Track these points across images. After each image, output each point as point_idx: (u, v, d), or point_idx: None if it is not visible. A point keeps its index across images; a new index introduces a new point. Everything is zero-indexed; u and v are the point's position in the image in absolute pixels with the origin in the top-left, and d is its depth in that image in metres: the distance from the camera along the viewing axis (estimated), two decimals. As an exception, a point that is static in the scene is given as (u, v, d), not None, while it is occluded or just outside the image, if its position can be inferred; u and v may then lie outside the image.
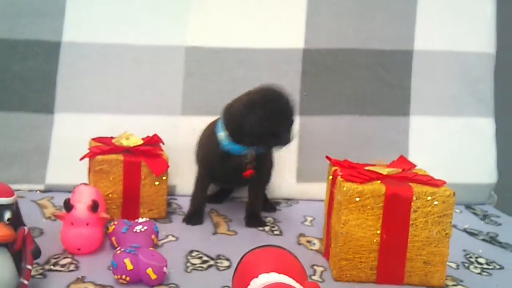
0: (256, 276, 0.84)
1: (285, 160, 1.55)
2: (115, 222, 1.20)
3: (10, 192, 0.93)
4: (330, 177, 1.20)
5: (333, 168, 1.19)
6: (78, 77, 1.57)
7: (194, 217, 1.38)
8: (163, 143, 1.46)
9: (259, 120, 1.24)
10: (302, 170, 1.60)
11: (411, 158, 1.54)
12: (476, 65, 1.64)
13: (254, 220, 1.38)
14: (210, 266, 1.14)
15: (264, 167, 1.38)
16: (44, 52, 1.56)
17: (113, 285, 1.03)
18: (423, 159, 1.49)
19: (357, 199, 1.06)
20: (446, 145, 1.64)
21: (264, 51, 1.61)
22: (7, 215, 0.92)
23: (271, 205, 1.50)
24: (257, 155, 1.32)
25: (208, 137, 1.37)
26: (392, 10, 1.63)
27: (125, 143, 1.38)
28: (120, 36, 1.58)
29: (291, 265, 0.89)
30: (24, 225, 0.96)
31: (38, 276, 1.05)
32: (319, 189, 1.39)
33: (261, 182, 1.42)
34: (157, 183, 1.37)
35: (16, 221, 0.94)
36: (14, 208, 0.94)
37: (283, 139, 1.28)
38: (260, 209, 1.41)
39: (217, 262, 1.15)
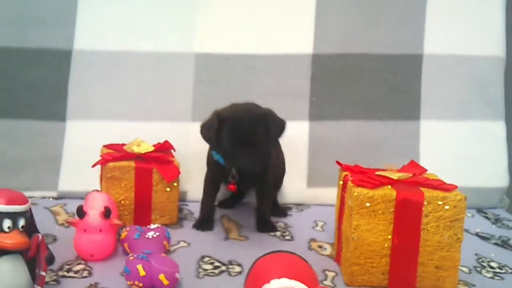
0: (268, 282, 0.84)
1: (296, 165, 1.56)
2: (127, 229, 1.21)
3: (24, 200, 0.95)
4: (341, 182, 1.20)
5: (344, 173, 1.19)
6: (89, 84, 1.58)
7: (203, 223, 1.39)
8: (174, 150, 1.47)
9: (210, 139, 1.27)
10: (312, 175, 1.60)
11: (422, 162, 1.55)
12: (486, 69, 1.64)
13: (264, 225, 1.38)
14: (221, 271, 1.14)
15: (266, 173, 1.35)
16: (55, 60, 1.57)
17: (126, 291, 1.04)
18: (434, 163, 1.48)
19: (368, 204, 1.06)
20: (457, 149, 1.63)
21: (273, 57, 1.61)
22: (21, 222, 0.93)
23: (282, 210, 1.50)
24: None
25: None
26: (401, 15, 1.63)
27: (136, 149, 1.39)
28: (130, 44, 1.59)
29: (302, 271, 0.89)
30: (38, 232, 0.97)
31: (52, 283, 1.05)
32: (330, 194, 1.40)
33: (265, 187, 1.39)
34: (168, 189, 1.38)
35: (30, 228, 0.95)
36: (28, 215, 0.95)
37: (236, 162, 1.25)
38: (268, 213, 1.41)
39: (228, 268, 1.16)
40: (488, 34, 1.65)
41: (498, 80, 1.65)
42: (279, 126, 1.29)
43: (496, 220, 1.53)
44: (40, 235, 0.96)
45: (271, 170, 1.38)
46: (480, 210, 1.60)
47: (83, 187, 1.47)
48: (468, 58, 1.64)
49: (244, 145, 1.22)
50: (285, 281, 0.84)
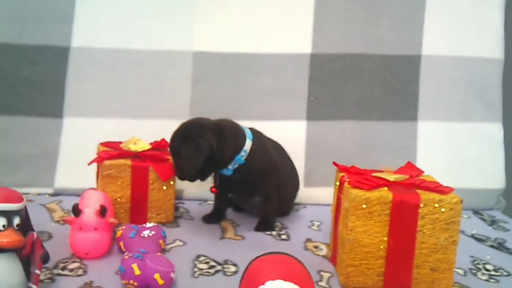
0: (263, 283, 0.84)
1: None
2: (123, 227, 1.21)
3: (19, 198, 0.94)
4: (337, 183, 1.20)
5: (340, 174, 1.19)
6: (86, 82, 1.58)
7: (209, 216, 1.42)
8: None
9: None
10: (309, 175, 1.60)
11: (419, 163, 1.55)
12: (484, 71, 1.64)
13: (262, 224, 1.38)
14: (217, 271, 1.14)
15: (252, 177, 1.35)
16: (53, 57, 1.57)
17: (121, 290, 1.04)
18: (431, 164, 1.49)
19: (364, 205, 1.06)
20: (454, 150, 1.63)
21: (272, 56, 1.61)
22: (16, 220, 0.92)
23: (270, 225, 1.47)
24: (241, 168, 1.32)
25: None
26: (399, 15, 1.63)
27: (133, 148, 1.39)
28: (128, 41, 1.59)
29: (298, 273, 0.89)
30: (33, 230, 0.96)
31: (47, 281, 1.05)
32: (326, 194, 1.39)
33: (266, 196, 1.39)
34: (164, 187, 1.37)
35: (25, 227, 0.95)
36: (23, 213, 0.94)
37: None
38: (271, 213, 1.40)
39: (224, 267, 1.16)
40: (486, 36, 1.65)
41: (496, 82, 1.65)
42: (187, 147, 1.27)
43: (492, 222, 1.54)
44: (35, 234, 0.96)
45: (272, 180, 1.37)
46: (476, 212, 1.60)
47: (79, 184, 1.48)
48: (466, 60, 1.63)
49: (174, 160, 1.32)
50: (280, 283, 0.84)
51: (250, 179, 1.35)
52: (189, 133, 1.29)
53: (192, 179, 1.32)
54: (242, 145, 1.32)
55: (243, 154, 1.32)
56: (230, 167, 1.32)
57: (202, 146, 1.26)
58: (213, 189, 1.39)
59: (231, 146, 1.30)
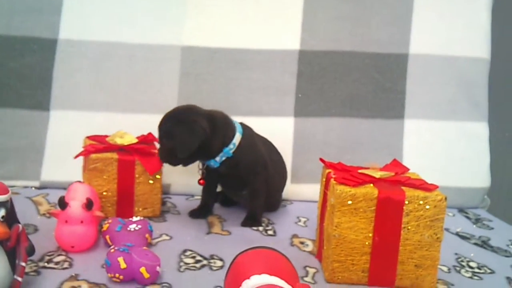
0: (248, 278, 0.85)
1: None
2: (109, 221, 1.21)
3: (5, 190, 0.94)
4: (324, 179, 1.21)
5: (327, 171, 1.20)
6: (74, 74, 1.57)
7: (196, 211, 1.42)
8: (158, 142, 1.46)
9: None
10: (296, 171, 1.60)
11: (405, 161, 1.56)
12: (471, 70, 1.65)
13: (249, 220, 1.39)
14: (203, 265, 1.15)
15: (240, 171, 1.35)
16: (40, 49, 1.56)
17: (106, 284, 1.03)
18: (417, 162, 1.51)
19: (350, 202, 1.07)
20: (440, 149, 1.64)
21: (260, 52, 1.61)
22: (1, 212, 0.92)
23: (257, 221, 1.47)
24: (228, 161, 1.33)
25: None
26: (388, 14, 1.64)
27: (119, 141, 1.39)
28: (117, 35, 1.58)
29: (283, 267, 0.90)
30: (19, 222, 0.96)
31: (32, 273, 1.05)
32: (313, 190, 1.40)
33: (253, 190, 1.39)
34: (151, 181, 1.37)
35: (11, 219, 0.94)
36: (9, 205, 0.94)
37: None
38: (257, 209, 1.40)
39: (210, 262, 1.16)
40: (473, 35, 1.66)
41: (482, 81, 1.66)
42: (186, 133, 1.28)
43: (477, 220, 1.55)
44: (20, 226, 0.95)
45: (260, 175, 1.37)
46: (461, 210, 1.61)
47: (65, 177, 1.47)
48: (453, 59, 1.65)
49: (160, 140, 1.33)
50: (265, 277, 0.84)
51: (237, 173, 1.35)
52: (185, 116, 1.29)
53: (175, 163, 1.32)
54: (231, 138, 1.32)
55: (231, 147, 1.32)
56: (217, 159, 1.32)
57: (198, 129, 1.27)
58: (201, 181, 1.39)
59: (220, 136, 1.31)
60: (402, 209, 1.07)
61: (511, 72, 1.91)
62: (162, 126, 1.31)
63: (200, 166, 1.39)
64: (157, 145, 1.36)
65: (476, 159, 1.66)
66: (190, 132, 1.27)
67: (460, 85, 1.65)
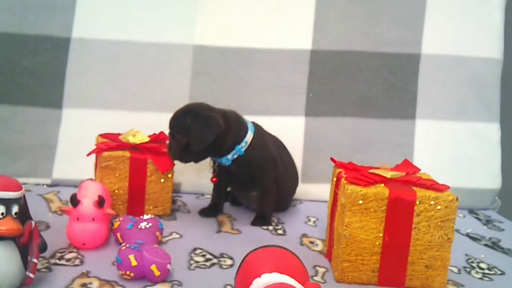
0: (259, 276, 0.85)
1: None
2: (120, 218, 1.21)
3: (18, 186, 0.95)
4: (334, 179, 1.21)
5: (338, 170, 1.20)
6: (86, 73, 1.58)
7: (206, 210, 1.42)
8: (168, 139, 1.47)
9: None
10: (306, 171, 1.61)
11: (416, 161, 1.56)
12: (483, 70, 1.65)
13: (259, 219, 1.39)
14: (213, 264, 1.15)
15: (250, 169, 1.35)
16: (53, 47, 1.57)
17: (117, 281, 1.04)
18: (428, 162, 1.50)
19: (360, 201, 1.07)
20: (451, 149, 1.64)
21: (272, 51, 1.61)
22: (15, 209, 0.93)
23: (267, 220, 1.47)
24: (240, 160, 1.33)
25: None
26: (400, 14, 1.64)
27: (131, 140, 1.40)
28: (129, 33, 1.59)
29: (293, 266, 0.90)
30: (31, 219, 0.97)
31: (44, 270, 1.06)
32: (323, 190, 1.40)
33: (263, 189, 1.39)
34: (162, 180, 1.38)
35: (23, 215, 0.95)
36: (22, 202, 0.95)
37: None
38: (268, 209, 1.40)
39: (220, 260, 1.16)
40: (486, 35, 1.65)
41: (494, 82, 1.66)
42: (203, 127, 1.28)
43: (487, 222, 1.54)
44: (33, 222, 0.96)
45: (270, 173, 1.38)
46: (471, 211, 1.61)
47: (77, 175, 1.48)
48: (466, 59, 1.64)
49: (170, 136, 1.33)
50: (276, 276, 0.84)
51: (247, 172, 1.35)
52: (200, 111, 1.30)
53: (187, 159, 1.32)
54: (243, 136, 1.33)
55: (243, 145, 1.33)
56: (229, 156, 1.33)
57: (214, 122, 1.28)
58: (214, 179, 1.39)
59: (233, 134, 1.32)
60: (413, 209, 1.07)
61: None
62: (175, 121, 1.31)
63: (212, 164, 1.39)
64: (167, 143, 1.36)
65: (487, 160, 1.66)
66: (206, 125, 1.28)
67: (472, 86, 1.65)
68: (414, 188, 1.10)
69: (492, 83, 1.66)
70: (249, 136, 1.34)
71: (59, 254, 1.13)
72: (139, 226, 1.18)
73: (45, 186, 1.53)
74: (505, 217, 1.59)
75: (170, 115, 1.33)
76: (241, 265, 0.94)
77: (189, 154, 1.31)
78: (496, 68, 1.66)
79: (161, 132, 1.46)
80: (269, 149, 1.39)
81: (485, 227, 1.50)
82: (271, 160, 1.38)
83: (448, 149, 1.64)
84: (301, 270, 0.90)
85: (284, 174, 1.44)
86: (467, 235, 1.42)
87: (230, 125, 1.32)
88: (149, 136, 1.43)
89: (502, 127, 1.67)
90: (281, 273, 0.85)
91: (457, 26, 1.65)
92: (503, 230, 1.49)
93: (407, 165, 1.23)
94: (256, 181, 1.38)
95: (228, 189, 1.47)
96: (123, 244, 1.09)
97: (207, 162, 1.39)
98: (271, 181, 1.39)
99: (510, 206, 1.72)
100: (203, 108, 1.32)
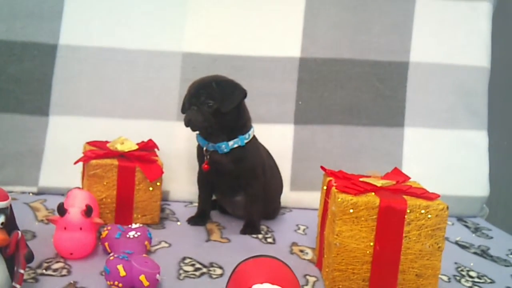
0: (250, 286, 0.84)
1: (279, 168, 1.56)
2: (108, 227, 1.20)
3: (5, 196, 0.93)
4: (325, 187, 1.20)
5: (328, 179, 1.19)
6: (74, 80, 1.57)
7: (195, 219, 1.42)
8: (158, 149, 1.46)
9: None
10: (295, 179, 1.60)
11: (404, 169, 1.56)
12: (470, 79, 1.66)
13: (248, 227, 1.38)
14: (202, 273, 1.14)
15: (242, 166, 1.35)
16: (40, 54, 1.55)
17: (105, 291, 1.03)
18: (416, 170, 1.50)
19: (351, 210, 1.06)
20: (440, 157, 1.65)
21: (261, 59, 1.61)
22: (1, 219, 0.91)
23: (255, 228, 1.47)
24: (236, 152, 1.33)
25: None
26: (388, 22, 1.64)
27: (120, 148, 1.38)
28: (117, 40, 1.58)
29: (285, 276, 0.89)
30: (18, 229, 0.95)
31: (30, 280, 1.04)
32: (312, 198, 1.40)
33: (253, 193, 1.39)
34: (151, 188, 1.37)
35: (10, 225, 0.94)
36: (8, 212, 0.93)
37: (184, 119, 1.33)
38: (256, 216, 1.40)
39: (210, 270, 1.15)
40: (474, 44, 1.66)
41: (482, 90, 1.67)
42: (230, 89, 1.33)
43: (476, 229, 1.55)
44: (19, 233, 0.94)
45: (259, 179, 1.38)
46: (460, 219, 1.62)
47: (64, 183, 1.47)
48: (454, 68, 1.65)
49: (190, 105, 1.32)
50: (267, 286, 0.84)
51: (239, 168, 1.34)
52: (221, 77, 1.35)
53: (202, 124, 1.31)
54: (249, 128, 1.37)
55: (246, 137, 1.34)
56: (231, 143, 1.33)
57: (239, 85, 1.34)
58: (206, 166, 1.36)
59: (245, 117, 1.36)
60: (403, 218, 1.06)
61: (511, 81, 1.91)
62: (202, 89, 1.31)
63: (205, 153, 1.37)
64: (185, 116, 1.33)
65: (475, 167, 1.66)
66: (233, 87, 1.33)
67: (460, 94, 1.65)
68: (405, 196, 1.10)
69: (479, 91, 1.67)
70: (251, 133, 1.37)
71: (46, 264, 1.11)
72: (128, 235, 1.16)
73: (31, 194, 1.51)
74: (494, 225, 1.60)
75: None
76: (231, 276, 0.93)
77: (217, 118, 1.31)
78: (483, 76, 1.67)
79: (150, 140, 1.45)
80: (260, 155, 1.40)
81: (474, 234, 1.51)
82: (261, 166, 1.38)
83: (436, 157, 1.65)
84: (292, 281, 0.89)
85: (271, 180, 1.44)
86: (456, 243, 1.42)
87: (245, 109, 1.37)
88: (138, 144, 1.42)
89: (490, 134, 1.67)
90: (272, 283, 0.84)
91: (445, 35, 1.66)
92: (491, 238, 1.50)
93: (397, 173, 1.23)
94: (241, 183, 1.37)
95: (213, 197, 1.46)
96: (111, 254, 1.08)
97: (195, 167, 1.38)
98: (259, 187, 1.38)
99: (498, 213, 1.73)
100: (221, 76, 1.36)
